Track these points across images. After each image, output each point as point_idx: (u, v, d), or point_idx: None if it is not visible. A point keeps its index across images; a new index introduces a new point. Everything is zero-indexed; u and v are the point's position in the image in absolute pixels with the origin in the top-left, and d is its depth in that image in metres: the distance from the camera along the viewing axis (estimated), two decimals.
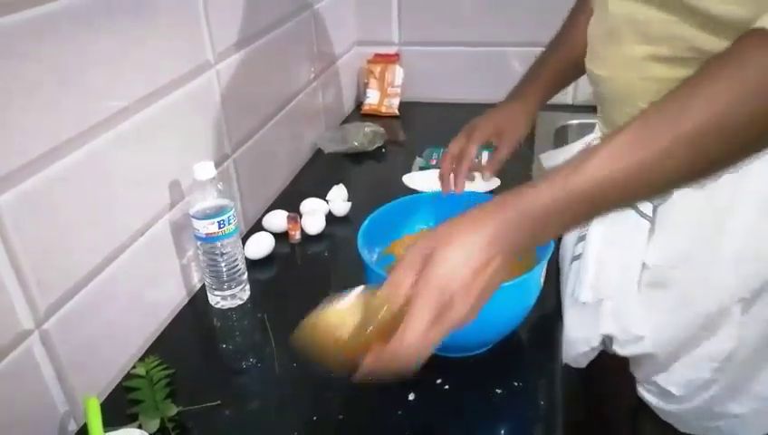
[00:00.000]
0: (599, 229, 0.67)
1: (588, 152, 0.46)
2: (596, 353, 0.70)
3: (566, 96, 1.42)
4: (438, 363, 0.72)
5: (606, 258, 0.66)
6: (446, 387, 0.69)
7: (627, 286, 0.65)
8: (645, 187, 0.46)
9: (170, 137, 0.80)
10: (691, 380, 0.65)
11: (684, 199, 0.60)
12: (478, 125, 0.84)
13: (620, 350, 0.67)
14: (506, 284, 0.68)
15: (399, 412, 0.66)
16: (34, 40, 0.58)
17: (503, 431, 0.66)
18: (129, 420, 0.65)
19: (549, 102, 0.91)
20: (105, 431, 0.59)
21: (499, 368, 0.72)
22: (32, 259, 0.59)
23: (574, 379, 0.88)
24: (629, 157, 0.44)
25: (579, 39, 0.73)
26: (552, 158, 1.07)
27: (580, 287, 0.67)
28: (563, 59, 0.86)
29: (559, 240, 0.83)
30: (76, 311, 0.66)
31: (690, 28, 0.53)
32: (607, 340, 0.69)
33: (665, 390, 0.67)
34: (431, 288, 0.46)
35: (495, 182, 1.04)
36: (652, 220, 0.63)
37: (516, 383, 0.69)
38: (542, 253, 0.70)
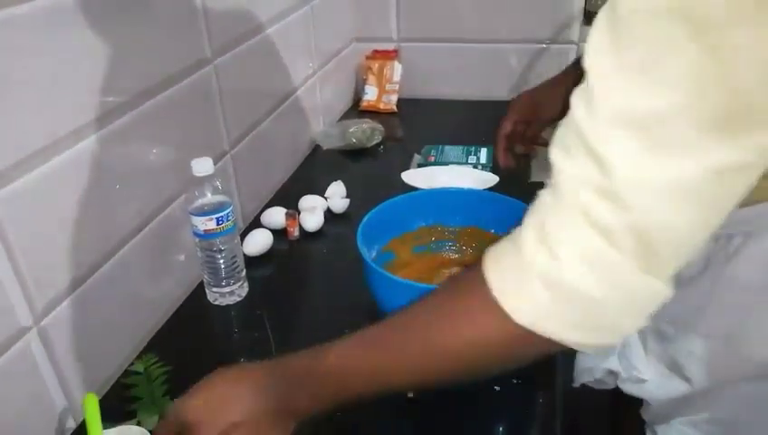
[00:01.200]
0: None
1: (340, 341, 0.49)
2: (611, 385, 0.69)
3: None
4: None
5: None
6: None
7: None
8: (385, 386, 0.49)
9: (168, 133, 0.79)
10: None
11: (699, 258, 0.57)
12: (515, 101, 0.92)
13: (623, 386, 0.67)
14: None
15: (398, 410, 0.66)
16: (30, 34, 0.57)
17: (502, 429, 0.66)
18: (128, 416, 0.65)
19: None
20: (104, 428, 0.59)
21: None
22: (29, 256, 0.59)
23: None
24: (365, 360, 0.48)
25: None
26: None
27: None
28: None
29: None
30: (74, 308, 0.65)
31: None
32: (613, 375, 0.68)
33: None
34: None
35: (494, 180, 1.04)
36: None
37: (515, 381, 0.69)
38: None
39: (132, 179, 0.73)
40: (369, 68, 1.48)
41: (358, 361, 0.48)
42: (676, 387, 0.61)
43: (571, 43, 1.40)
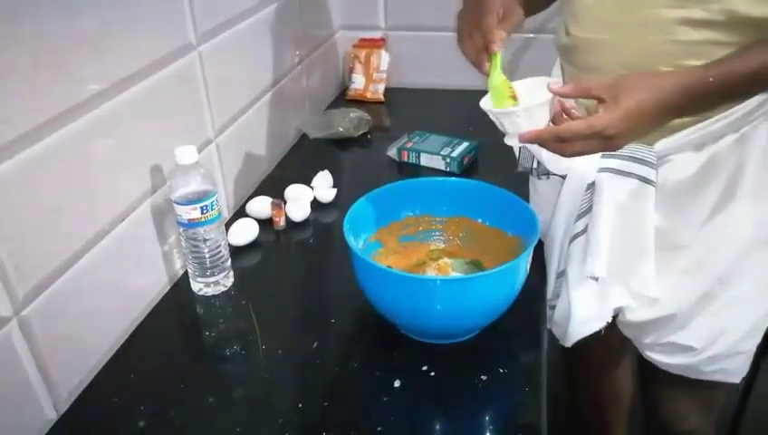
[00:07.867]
0: (605, 204, 0.68)
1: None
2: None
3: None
4: (424, 350, 0.72)
5: (617, 230, 0.68)
6: (432, 374, 0.69)
7: (643, 253, 0.67)
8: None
9: (152, 120, 0.78)
10: (712, 329, 0.69)
11: (684, 162, 0.65)
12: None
13: (632, 317, 0.71)
14: (492, 271, 0.68)
15: (385, 399, 0.66)
16: (12, 21, 0.56)
17: (488, 417, 0.66)
18: (114, 409, 0.64)
19: None
20: None
21: (484, 354, 0.72)
22: (9, 244, 0.58)
23: (558, 365, 0.88)
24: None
25: None
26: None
27: (593, 263, 0.68)
28: None
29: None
30: (56, 297, 0.64)
31: None
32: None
33: (683, 346, 0.71)
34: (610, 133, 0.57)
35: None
36: (656, 185, 0.66)
37: (501, 370, 0.69)
38: (528, 239, 0.70)
39: (115, 167, 0.72)
40: (356, 56, 1.47)
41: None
42: (692, 289, 0.68)
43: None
